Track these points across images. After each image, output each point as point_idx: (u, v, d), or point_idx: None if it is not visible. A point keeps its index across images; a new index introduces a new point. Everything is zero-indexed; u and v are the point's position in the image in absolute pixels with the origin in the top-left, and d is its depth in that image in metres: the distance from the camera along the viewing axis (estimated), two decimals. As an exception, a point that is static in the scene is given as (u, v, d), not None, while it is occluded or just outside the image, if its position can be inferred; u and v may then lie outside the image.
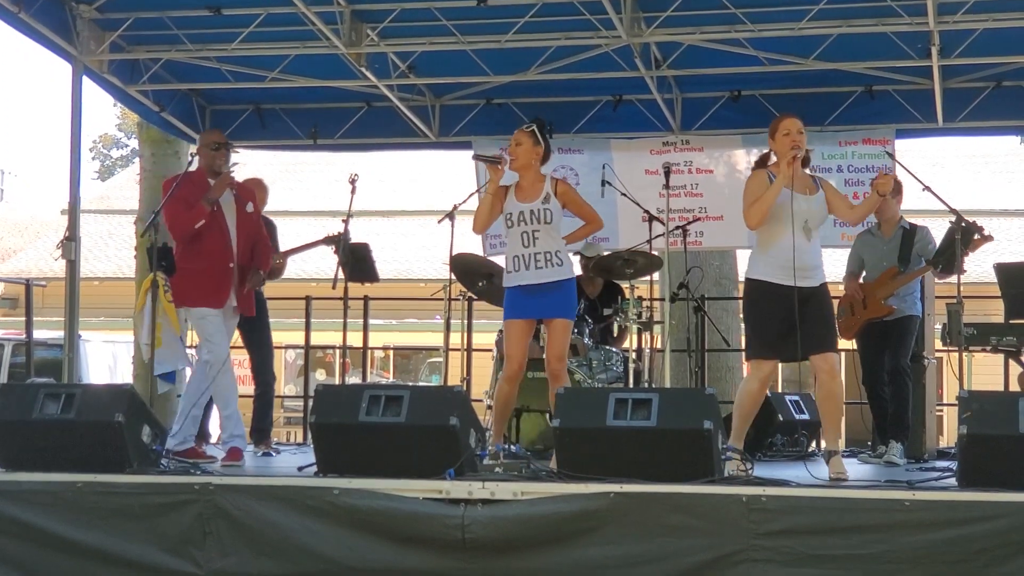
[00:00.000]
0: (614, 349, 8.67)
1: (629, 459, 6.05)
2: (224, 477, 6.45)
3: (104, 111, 52.00)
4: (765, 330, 6.63)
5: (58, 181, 56.50)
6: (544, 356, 7.23)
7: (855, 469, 7.29)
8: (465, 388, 7.66)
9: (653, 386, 8.33)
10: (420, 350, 21.07)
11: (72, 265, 8.90)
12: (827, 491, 5.99)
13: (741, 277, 9.79)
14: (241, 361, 8.69)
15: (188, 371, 8.07)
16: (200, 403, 7.64)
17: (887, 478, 6.80)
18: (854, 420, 9.52)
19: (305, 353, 12.14)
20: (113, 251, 24.60)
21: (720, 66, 9.23)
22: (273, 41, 9.05)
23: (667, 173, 8.39)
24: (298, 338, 13.02)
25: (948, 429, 13.77)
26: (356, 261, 8.78)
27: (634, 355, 8.45)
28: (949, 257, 7.61)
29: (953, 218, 7.39)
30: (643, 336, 8.50)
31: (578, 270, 8.05)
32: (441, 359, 9.54)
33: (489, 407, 7.97)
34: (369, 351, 12.44)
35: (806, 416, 8.82)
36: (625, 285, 8.91)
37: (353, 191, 8.31)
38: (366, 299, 10.71)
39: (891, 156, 9.07)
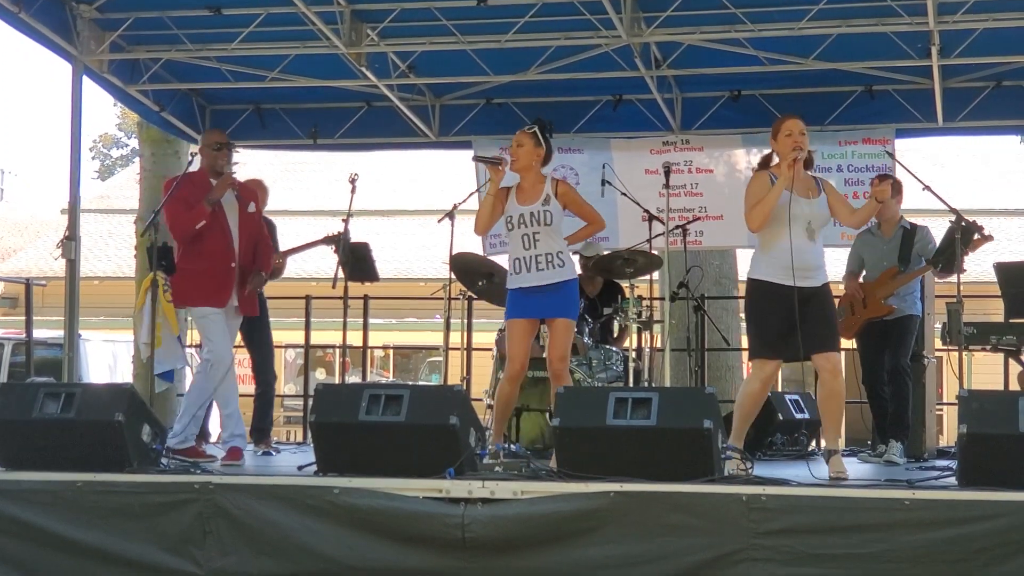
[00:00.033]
0: (614, 348, 8.67)
1: (629, 458, 6.05)
2: (224, 476, 6.45)
3: (104, 111, 52.06)
4: (767, 330, 6.63)
5: (58, 181, 56.51)
6: (544, 356, 7.24)
7: (855, 468, 7.29)
8: (465, 387, 7.67)
9: (653, 385, 8.33)
10: (420, 349, 21.07)
11: (72, 264, 8.90)
12: (827, 490, 5.99)
13: (741, 277, 9.81)
14: (241, 360, 8.69)
15: (188, 371, 8.08)
16: (204, 403, 7.63)
17: (887, 477, 6.80)
18: (854, 419, 9.50)
19: (305, 352, 12.14)
20: (113, 251, 24.60)
21: (720, 66, 9.24)
22: (273, 41, 9.05)
23: (667, 173, 8.39)
24: (298, 337, 13.03)
25: (948, 428, 13.78)
26: (356, 260, 8.78)
27: (634, 354, 8.45)
28: (949, 256, 7.61)
29: (953, 218, 7.39)
30: (643, 335, 8.51)
31: (578, 269, 8.04)
32: (441, 358, 9.54)
33: (489, 406, 7.97)
34: (369, 350, 12.45)
35: (806, 415, 8.82)
36: (625, 284, 8.91)
37: (353, 191, 8.31)
38: (366, 298, 10.71)
39: (891, 156, 9.07)
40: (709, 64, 9.25)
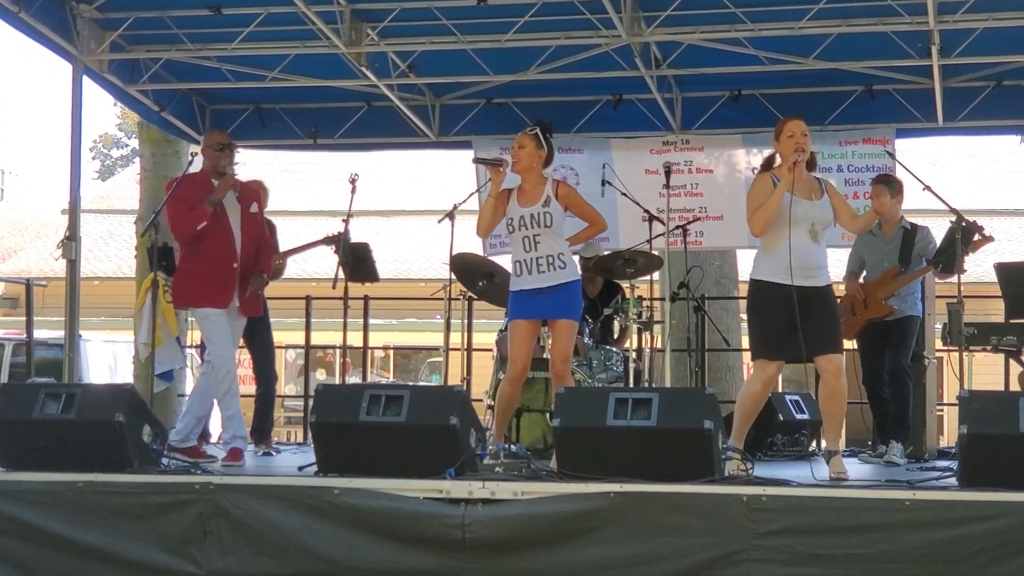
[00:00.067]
0: (614, 349, 8.67)
1: (629, 459, 6.05)
2: (224, 476, 6.45)
3: (104, 111, 52.05)
4: (769, 331, 6.62)
5: (58, 181, 56.49)
6: (545, 356, 7.23)
7: (855, 469, 7.29)
8: (465, 388, 7.66)
9: (653, 386, 8.33)
10: (420, 350, 21.06)
11: (72, 265, 8.90)
12: (827, 491, 5.99)
13: (741, 277, 9.82)
14: (242, 361, 8.69)
15: (188, 372, 8.08)
16: (208, 405, 7.64)
17: (887, 478, 6.80)
18: (854, 420, 9.50)
19: (305, 353, 12.13)
20: (113, 251, 24.60)
21: (720, 65, 9.23)
22: (273, 41, 9.05)
23: (667, 173, 8.39)
24: (298, 338, 13.02)
25: (948, 429, 13.76)
26: (356, 261, 8.78)
27: (634, 355, 8.45)
28: (949, 257, 7.61)
29: (953, 218, 7.39)
30: (643, 336, 8.50)
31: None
32: (441, 359, 9.53)
33: (489, 407, 7.97)
34: (369, 351, 12.44)
35: (806, 416, 8.82)
36: (625, 285, 8.91)
37: (353, 191, 8.31)
38: (366, 299, 10.71)
39: (891, 155, 9.07)
40: (709, 64, 9.24)
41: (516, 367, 6.98)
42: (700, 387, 8.99)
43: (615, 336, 9.04)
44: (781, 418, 8.60)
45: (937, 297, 8.46)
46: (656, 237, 8.67)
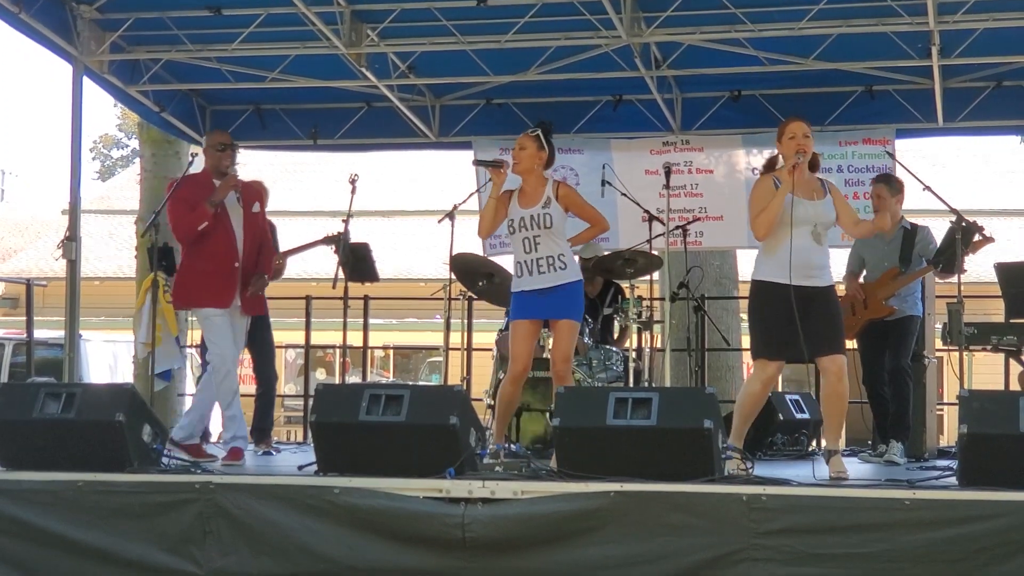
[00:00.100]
0: (614, 348, 8.67)
1: (629, 458, 6.05)
2: (224, 476, 6.45)
3: (104, 111, 51.99)
4: (770, 331, 6.61)
5: (58, 181, 56.56)
6: (545, 356, 7.23)
7: (855, 468, 7.29)
8: (465, 387, 7.67)
9: (653, 385, 8.33)
10: (420, 349, 21.07)
11: (72, 265, 8.90)
12: (827, 490, 5.99)
13: (741, 277, 9.82)
14: (242, 360, 8.69)
15: (188, 372, 8.09)
16: (211, 404, 7.64)
17: (887, 477, 6.79)
18: (854, 419, 9.49)
19: (305, 352, 12.14)
20: (113, 251, 24.60)
21: (720, 66, 9.24)
22: (273, 41, 9.05)
23: (667, 173, 8.40)
24: (298, 338, 13.03)
25: (948, 428, 13.76)
26: (356, 261, 8.78)
27: (634, 354, 8.45)
28: (950, 257, 7.61)
29: (954, 218, 7.39)
30: (643, 335, 8.51)
31: (578, 271, 8.05)
32: (441, 358, 9.54)
33: (489, 406, 7.98)
34: (369, 351, 12.45)
35: (806, 415, 8.82)
36: (625, 284, 8.91)
37: (353, 191, 8.31)
38: (366, 299, 10.71)
39: (891, 156, 9.08)
40: (709, 64, 9.25)
41: (517, 366, 6.98)
42: (700, 387, 8.99)
43: (615, 336, 9.04)
44: (781, 418, 8.61)
45: (937, 297, 8.46)
46: (656, 237, 8.68)
